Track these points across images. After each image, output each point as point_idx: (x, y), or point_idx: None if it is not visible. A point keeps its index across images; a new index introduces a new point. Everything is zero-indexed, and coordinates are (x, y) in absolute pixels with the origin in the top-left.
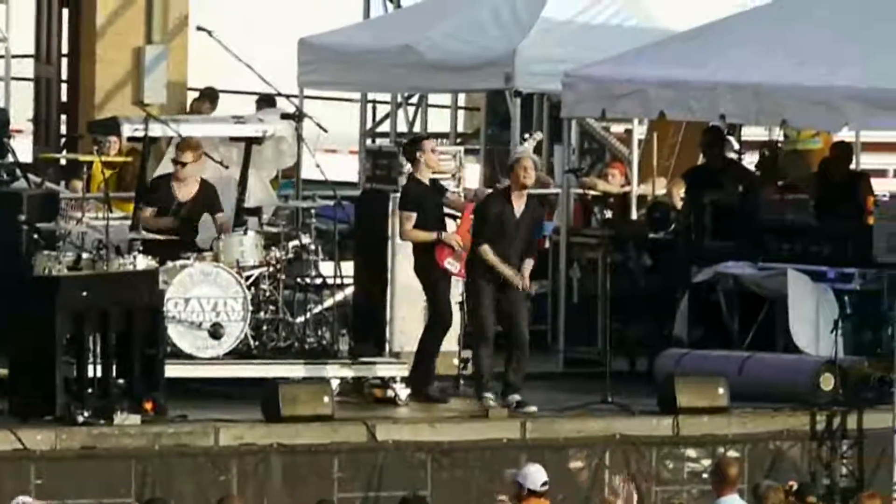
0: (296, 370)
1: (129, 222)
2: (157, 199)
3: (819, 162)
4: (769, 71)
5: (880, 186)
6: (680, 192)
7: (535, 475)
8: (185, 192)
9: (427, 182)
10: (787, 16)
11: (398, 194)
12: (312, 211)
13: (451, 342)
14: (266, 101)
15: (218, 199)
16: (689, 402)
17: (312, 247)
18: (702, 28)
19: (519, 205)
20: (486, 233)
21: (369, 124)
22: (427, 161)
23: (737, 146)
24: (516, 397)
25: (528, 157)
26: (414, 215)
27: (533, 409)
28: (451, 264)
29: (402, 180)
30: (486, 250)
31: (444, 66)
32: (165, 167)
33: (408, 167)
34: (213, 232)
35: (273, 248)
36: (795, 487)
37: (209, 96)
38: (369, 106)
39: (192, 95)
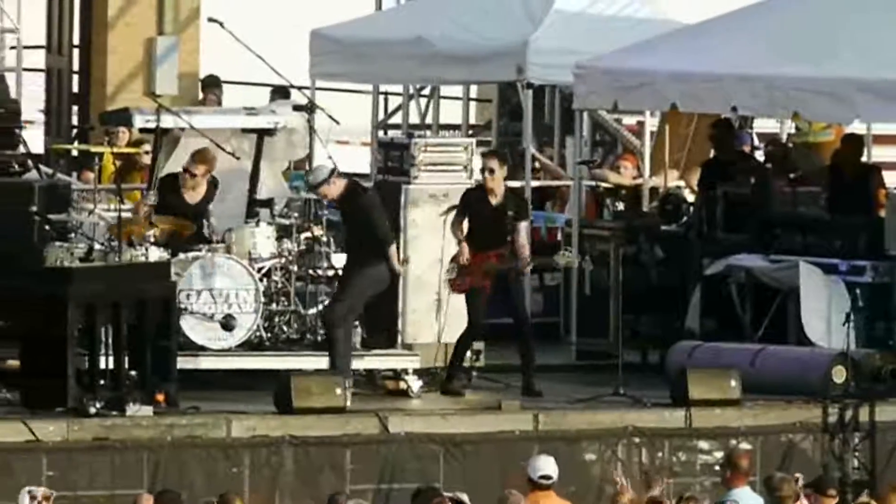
0: (308, 362)
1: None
2: (166, 200)
3: (831, 154)
4: (781, 63)
5: (892, 179)
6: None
7: (535, 465)
8: (193, 195)
9: (492, 200)
10: (799, 7)
11: (409, 186)
12: (324, 202)
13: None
14: (280, 93)
15: (216, 190)
16: (702, 394)
17: (324, 238)
18: (714, 20)
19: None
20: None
21: (381, 116)
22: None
23: (757, 141)
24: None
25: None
26: (463, 218)
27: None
28: (450, 269)
29: (414, 172)
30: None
31: (456, 57)
32: (179, 157)
33: (420, 158)
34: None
35: (285, 239)
36: (802, 481)
37: (213, 83)
38: (381, 97)
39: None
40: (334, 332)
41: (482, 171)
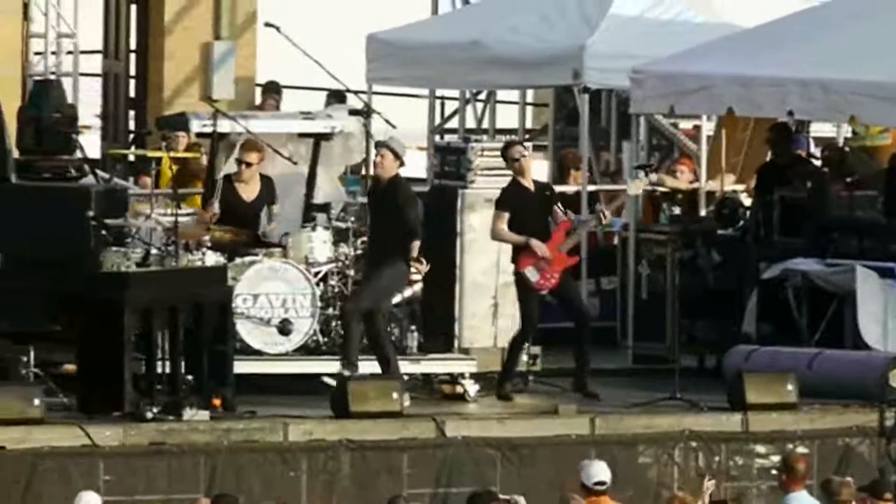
0: (364, 366)
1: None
2: (222, 201)
3: (888, 158)
4: (837, 67)
5: None
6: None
7: (589, 471)
8: (249, 191)
9: (528, 185)
10: (854, 11)
11: (466, 190)
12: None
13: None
14: (336, 97)
15: (274, 189)
16: (758, 398)
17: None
18: (770, 24)
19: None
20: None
21: (437, 120)
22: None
23: (813, 145)
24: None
25: (385, 144)
26: (506, 215)
27: None
28: (531, 272)
29: (471, 177)
30: None
31: (512, 61)
32: (233, 165)
33: (477, 162)
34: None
35: (341, 244)
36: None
37: (273, 90)
38: (437, 102)
39: (260, 91)
40: (350, 328)
41: (513, 160)
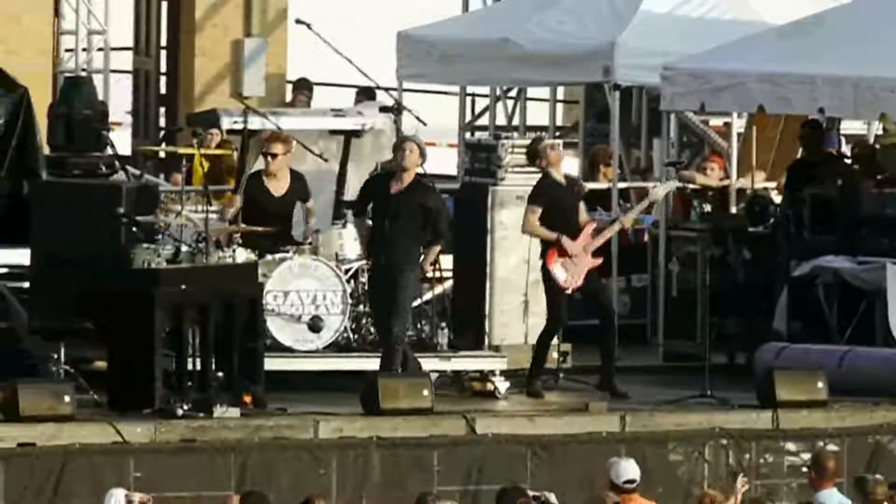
0: (374, 363)
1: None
2: (251, 198)
3: None
4: (868, 64)
5: None
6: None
7: (619, 469)
8: (278, 187)
9: (560, 180)
10: (886, 9)
11: (496, 187)
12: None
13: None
14: (366, 94)
15: (307, 186)
16: (789, 395)
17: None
18: (801, 21)
19: (399, 185)
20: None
21: (468, 117)
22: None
23: (844, 145)
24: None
25: (413, 139)
26: (539, 209)
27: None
28: (558, 270)
29: (501, 174)
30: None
31: (542, 58)
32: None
33: (507, 159)
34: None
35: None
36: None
37: (304, 86)
38: (468, 99)
39: (291, 88)
40: (406, 353)
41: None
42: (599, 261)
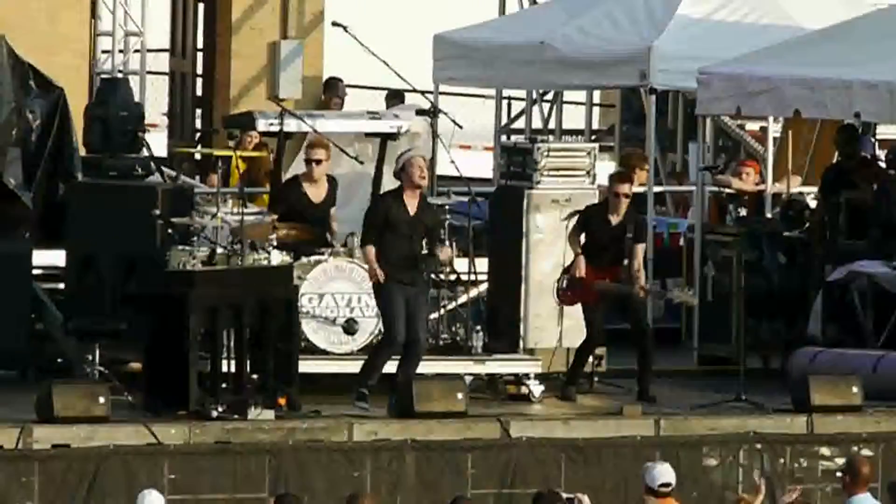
0: (429, 366)
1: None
2: (289, 203)
3: None
4: None
5: None
6: None
7: (654, 473)
8: (317, 193)
9: (609, 216)
10: None
11: (532, 191)
12: (447, 207)
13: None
14: (396, 97)
15: (336, 192)
16: (823, 400)
17: (447, 243)
18: (837, 26)
19: (412, 204)
20: (372, 233)
21: (504, 120)
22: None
23: (878, 150)
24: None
25: (420, 156)
26: (576, 224)
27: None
28: (563, 279)
29: (537, 177)
30: (369, 251)
31: (579, 62)
32: (299, 165)
33: (543, 163)
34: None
35: None
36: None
37: (333, 86)
38: (504, 102)
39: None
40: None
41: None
42: (595, 297)
